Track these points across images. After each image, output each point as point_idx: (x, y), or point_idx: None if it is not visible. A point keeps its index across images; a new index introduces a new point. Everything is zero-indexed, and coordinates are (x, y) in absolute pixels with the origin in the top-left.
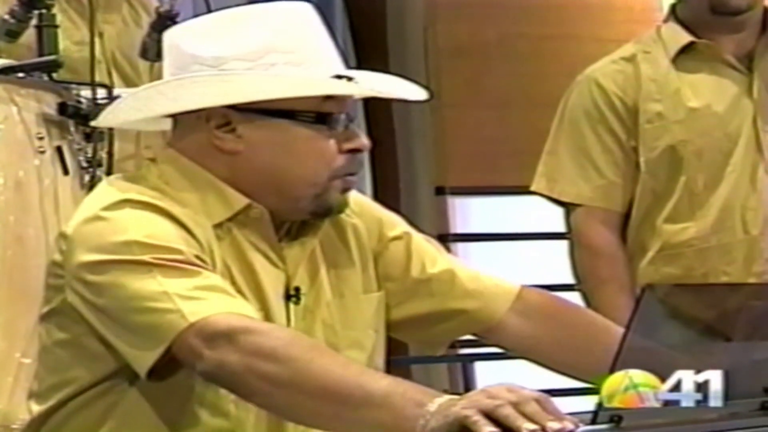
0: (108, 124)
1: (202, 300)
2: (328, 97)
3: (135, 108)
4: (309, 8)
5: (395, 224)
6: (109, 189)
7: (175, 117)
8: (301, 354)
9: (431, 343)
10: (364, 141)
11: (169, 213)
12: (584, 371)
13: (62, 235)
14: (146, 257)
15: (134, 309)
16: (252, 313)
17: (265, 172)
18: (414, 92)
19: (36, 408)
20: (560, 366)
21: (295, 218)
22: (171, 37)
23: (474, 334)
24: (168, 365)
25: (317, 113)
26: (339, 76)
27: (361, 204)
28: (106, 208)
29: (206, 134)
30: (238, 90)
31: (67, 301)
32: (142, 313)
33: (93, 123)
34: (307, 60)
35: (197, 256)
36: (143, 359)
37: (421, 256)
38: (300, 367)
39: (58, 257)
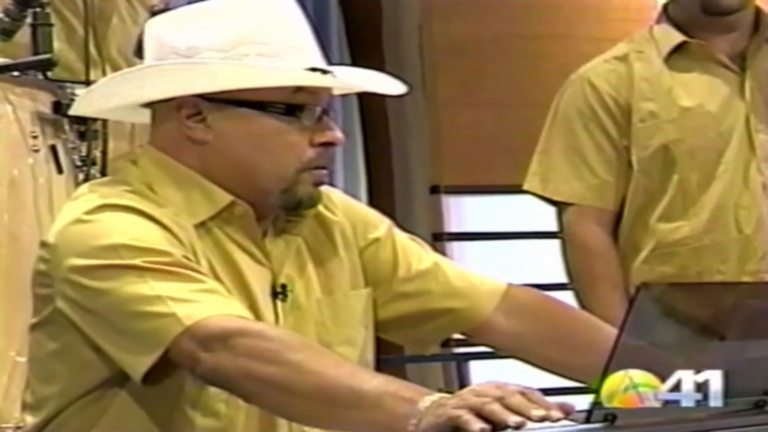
0: (82, 113)
1: (197, 302)
2: (300, 89)
3: (106, 95)
4: (290, 2)
5: (379, 223)
6: (88, 196)
7: (153, 108)
8: (294, 355)
9: (420, 341)
10: (337, 135)
11: (151, 216)
12: (573, 369)
13: (44, 244)
14: (136, 261)
15: (129, 314)
16: (245, 313)
17: (233, 163)
18: (391, 87)
19: (30, 419)
20: (548, 364)
21: (268, 213)
22: (150, 27)
23: (462, 333)
24: (162, 369)
25: (287, 105)
26: (314, 69)
27: (344, 201)
28: (88, 213)
29: (177, 123)
30: (207, 79)
31: (57, 309)
32: (137, 318)
33: (69, 111)
34: (281, 52)
35: (185, 257)
36: (139, 364)
37: (407, 255)
38: (293, 368)
39: (42, 267)
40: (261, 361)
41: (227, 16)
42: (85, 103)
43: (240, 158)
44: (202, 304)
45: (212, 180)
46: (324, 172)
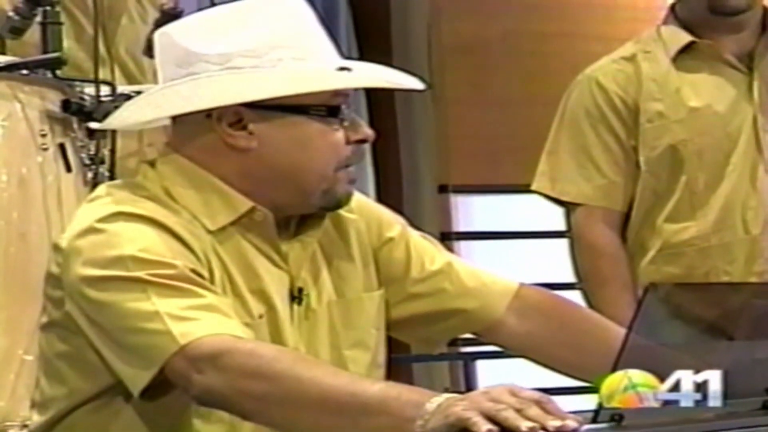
0: (120, 126)
1: (193, 321)
2: (337, 90)
3: (149, 108)
4: (301, 1)
5: (394, 223)
6: (103, 200)
7: (176, 119)
8: (288, 369)
9: (430, 341)
10: (368, 131)
11: (164, 225)
12: (582, 370)
13: (56, 247)
14: (141, 273)
15: (127, 329)
16: (241, 333)
17: (278, 168)
18: (414, 82)
19: (38, 418)
20: (558, 365)
21: (303, 212)
22: (167, 34)
23: (472, 333)
24: (161, 385)
25: (328, 107)
26: (342, 68)
27: (360, 202)
28: (101, 221)
29: (217, 134)
30: (257, 87)
31: (68, 312)
32: (134, 333)
33: (101, 125)
34: (310, 53)
35: (193, 270)
36: (136, 379)
37: (420, 255)
38: (290, 382)
39: (55, 269)
40: (253, 377)
41: (251, 20)
42: (126, 114)
43: (285, 162)
44: (200, 322)
45: (250, 186)
46: (354, 170)
